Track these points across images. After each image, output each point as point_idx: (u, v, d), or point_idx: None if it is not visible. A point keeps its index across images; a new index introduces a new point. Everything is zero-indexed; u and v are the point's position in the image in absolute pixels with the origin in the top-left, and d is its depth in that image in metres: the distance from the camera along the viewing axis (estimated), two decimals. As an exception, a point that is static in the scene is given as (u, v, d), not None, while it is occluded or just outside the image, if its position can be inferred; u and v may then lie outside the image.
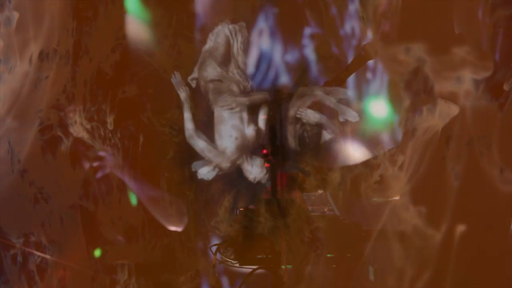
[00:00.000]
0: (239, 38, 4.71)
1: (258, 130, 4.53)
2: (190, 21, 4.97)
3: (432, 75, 3.35)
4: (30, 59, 4.57)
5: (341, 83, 3.66)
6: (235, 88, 4.63)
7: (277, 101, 3.46)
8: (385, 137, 4.65)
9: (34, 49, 4.53)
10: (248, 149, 4.48)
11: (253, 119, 4.59)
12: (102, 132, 4.71)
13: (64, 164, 4.72)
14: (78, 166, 4.74)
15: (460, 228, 3.27)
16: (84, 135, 4.67)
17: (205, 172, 4.56)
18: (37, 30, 4.51)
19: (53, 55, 4.65)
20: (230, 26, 4.71)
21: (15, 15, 4.40)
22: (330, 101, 4.43)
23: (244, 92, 4.63)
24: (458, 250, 3.28)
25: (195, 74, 4.68)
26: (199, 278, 4.58)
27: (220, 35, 4.68)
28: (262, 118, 4.52)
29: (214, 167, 4.52)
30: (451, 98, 3.30)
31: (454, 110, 3.28)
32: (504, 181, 3.29)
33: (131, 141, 4.83)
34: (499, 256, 3.32)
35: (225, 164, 4.48)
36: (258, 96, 4.54)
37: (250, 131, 4.52)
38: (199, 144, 4.55)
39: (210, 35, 4.76)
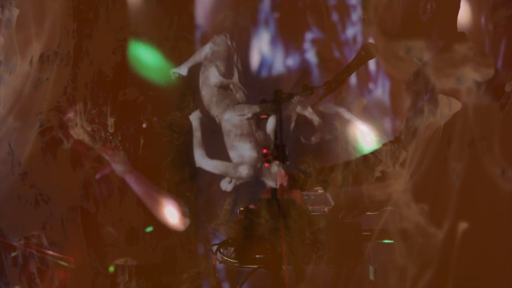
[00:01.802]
0: (238, 47, 4.74)
1: (266, 134, 4.54)
2: (191, 23, 4.98)
3: (433, 72, 3.34)
4: (31, 61, 4.57)
5: (341, 83, 3.65)
6: (242, 95, 4.65)
7: (277, 100, 3.45)
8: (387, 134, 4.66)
9: (35, 51, 4.53)
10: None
11: (258, 123, 4.60)
12: (103, 134, 4.70)
13: (65, 166, 4.72)
14: (78, 167, 4.74)
15: (463, 226, 3.25)
16: (84, 137, 4.66)
17: (225, 185, 4.57)
18: (38, 28, 4.50)
19: (54, 57, 4.65)
20: (229, 37, 4.72)
21: (15, 13, 4.39)
22: (355, 125, 4.46)
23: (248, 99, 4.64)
24: (461, 248, 3.26)
25: (181, 70, 4.69)
26: (200, 279, 4.57)
27: (221, 44, 4.69)
28: (271, 121, 4.52)
29: (231, 179, 4.53)
30: (453, 95, 3.29)
31: (456, 106, 3.27)
32: (506, 180, 3.27)
33: (132, 143, 4.82)
34: (502, 255, 3.30)
35: (247, 172, 4.48)
36: (267, 105, 4.55)
37: (259, 134, 4.53)
38: (212, 165, 4.56)
39: (210, 43, 4.78)
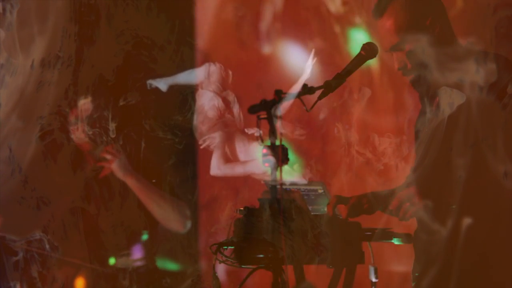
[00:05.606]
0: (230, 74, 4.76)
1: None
2: (193, 27, 5.00)
3: (436, 66, 3.33)
4: (32, 65, 4.57)
5: (341, 83, 3.64)
6: (242, 117, 4.68)
7: (277, 100, 3.43)
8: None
9: (37, 53, 4.54)
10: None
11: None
12: (104, 138, 4.70)
13: (65, 169, 4.72)
14: (79, 170, 4.74)
15: (466, 223, 3.23)
16: (85, 141, 4.66)
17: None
18: (41, 26, 4.50)
19: (55, 61, 4.65)
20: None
21: (16, 9, 4.40)
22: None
23: None
24: (464, 246, 3.23)
25: (159, 85, 4.70)
26: (201, 283, 4.55)
27: (214, 73, 4.71)
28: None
29: None
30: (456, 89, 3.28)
31: (460, 99, 3.25)
32: (510, 179, 3.25)
33: (133, 147, 4.82)
34: (505, 253, 3.27)
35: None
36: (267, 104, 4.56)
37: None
38: (230, 167, 4.58)
39: (203, 72, 4.78)
